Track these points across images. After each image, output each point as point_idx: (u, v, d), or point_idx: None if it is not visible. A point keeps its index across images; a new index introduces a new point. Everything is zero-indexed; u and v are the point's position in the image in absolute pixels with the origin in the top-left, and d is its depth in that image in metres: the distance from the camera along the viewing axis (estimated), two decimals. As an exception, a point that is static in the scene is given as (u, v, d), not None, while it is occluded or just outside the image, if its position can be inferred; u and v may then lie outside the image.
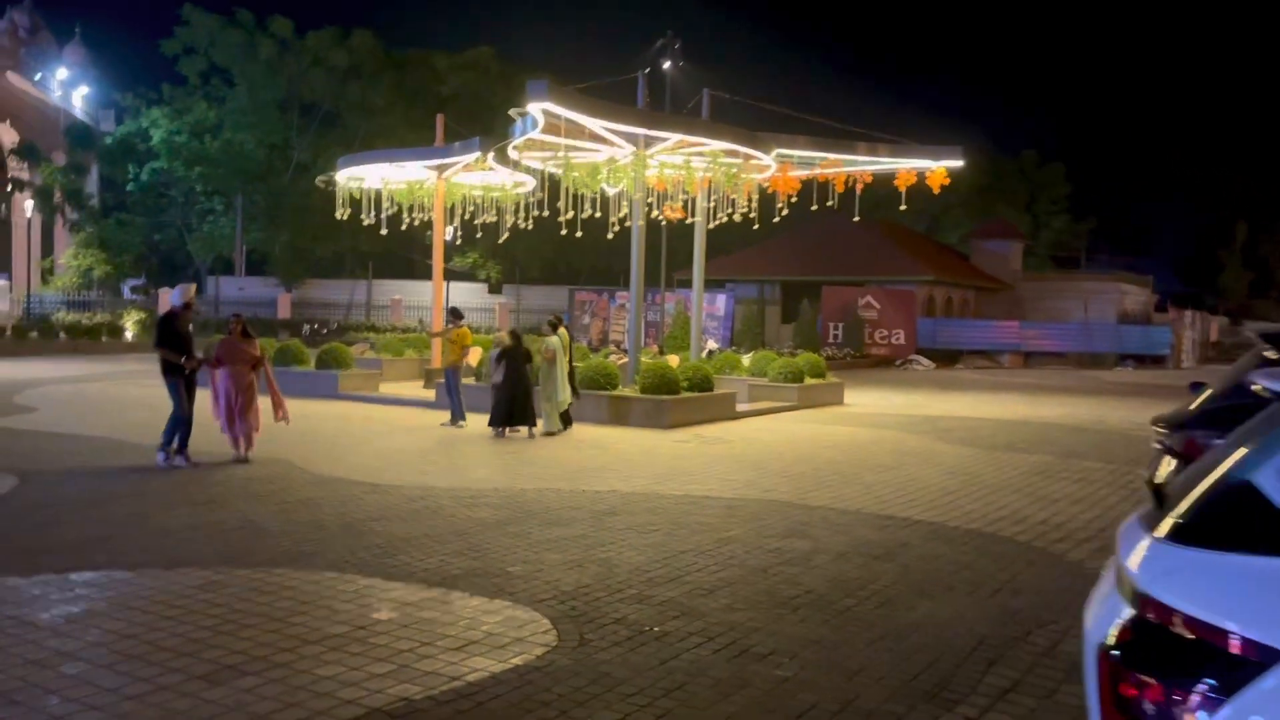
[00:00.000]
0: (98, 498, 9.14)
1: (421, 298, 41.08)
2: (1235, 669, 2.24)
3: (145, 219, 46.55)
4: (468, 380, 16.70)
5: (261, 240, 48.00)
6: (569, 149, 16.58)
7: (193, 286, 11.76)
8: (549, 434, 14.36)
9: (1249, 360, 7.33)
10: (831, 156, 19.00)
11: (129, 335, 33.77)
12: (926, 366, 36.30)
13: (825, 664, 5.21)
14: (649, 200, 18.37)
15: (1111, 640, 2.53)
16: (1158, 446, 6.91)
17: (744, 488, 10.45)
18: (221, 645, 5.30)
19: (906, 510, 9.41)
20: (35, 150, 40.98)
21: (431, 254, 23.59)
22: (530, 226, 22.13)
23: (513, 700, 4.67)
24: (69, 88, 47.55)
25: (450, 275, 32.85)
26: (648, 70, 22.11)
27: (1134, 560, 2.66)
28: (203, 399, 11.39)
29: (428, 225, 23.65)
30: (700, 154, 17.48)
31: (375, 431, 14.42)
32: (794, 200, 20.17)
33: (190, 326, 11.36)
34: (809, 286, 39.75)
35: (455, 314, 15.89)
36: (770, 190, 20.24)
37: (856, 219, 21.85)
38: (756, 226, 20.89)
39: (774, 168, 18.63)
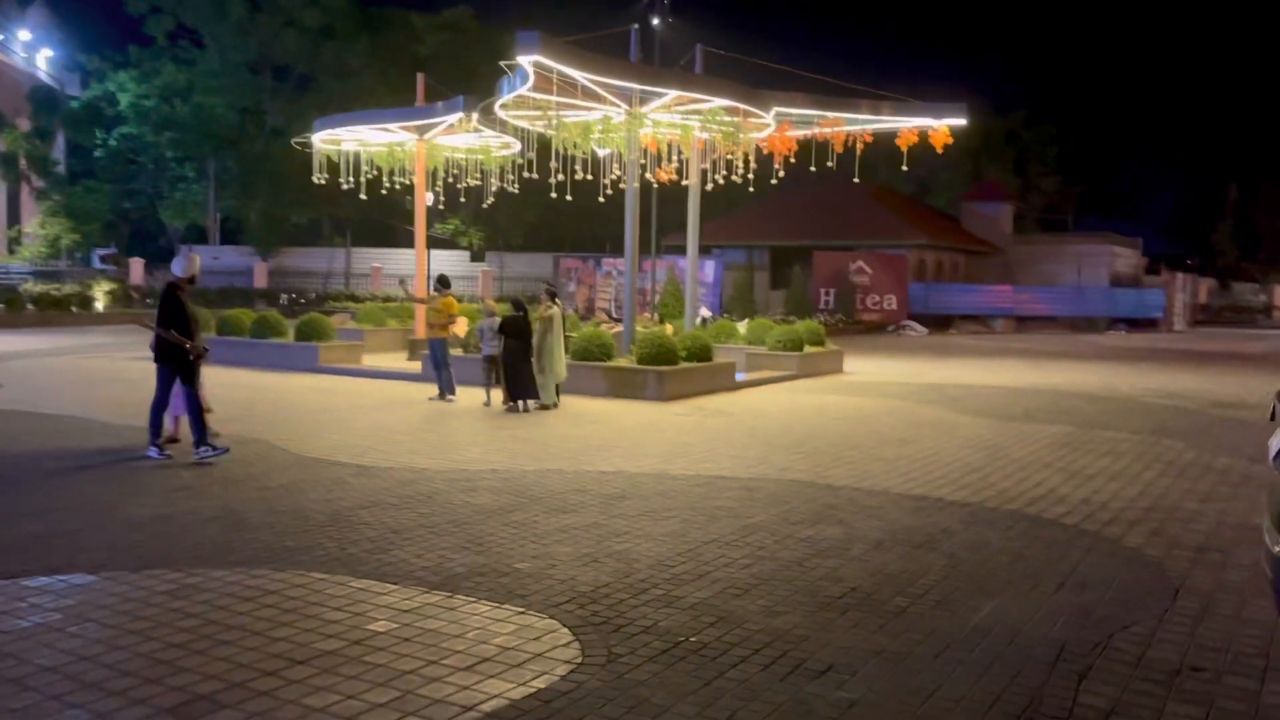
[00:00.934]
0: (61, 484, 8.34)
1: (403, 265, 40.04)
2: None
3: (114, 186, 45.12)
4: (456, 351, 15.93)
5: (236, 208, 46.73)
6: (560, 106, 15.71)
7: (196, 256, 10.40)
8: (544, 407, 13.64)
9: None
10: (833, 115, 18.19)
11: (99, 306, 32.68)
12: (920, 332, 35.75)
13: (893, 682, 4.54)
14: (641, 162, 17.55)
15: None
16: None
17: (758, 465, 9.77)
18: (194, 668, 4.57)
19: (937, 489, 8.76)
20: (-2, 115, 39.58)
21: (413, 220, 22.68)
22: (517, 189, 21.25)
23: (538, 735, 3.98)
24: (32, 50, 45.96)
25: (431, 242, 31.75)
26: (637, 27, 21.25)
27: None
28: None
29: (409, 190, 22.72)
30: (697, 112, 16.64)
31: (360, 406, 13.64)
32: (793, 161, 19.41)
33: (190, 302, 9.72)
34: (799, 252, 39.04)
35: (442, 282, 15.06)
36: (766, 151, 19.43)
37: (856, 180, 21.09)
38: (753, 189, 20.12)
39: (773, 126, 17.80)
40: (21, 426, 11.32)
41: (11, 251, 41.22)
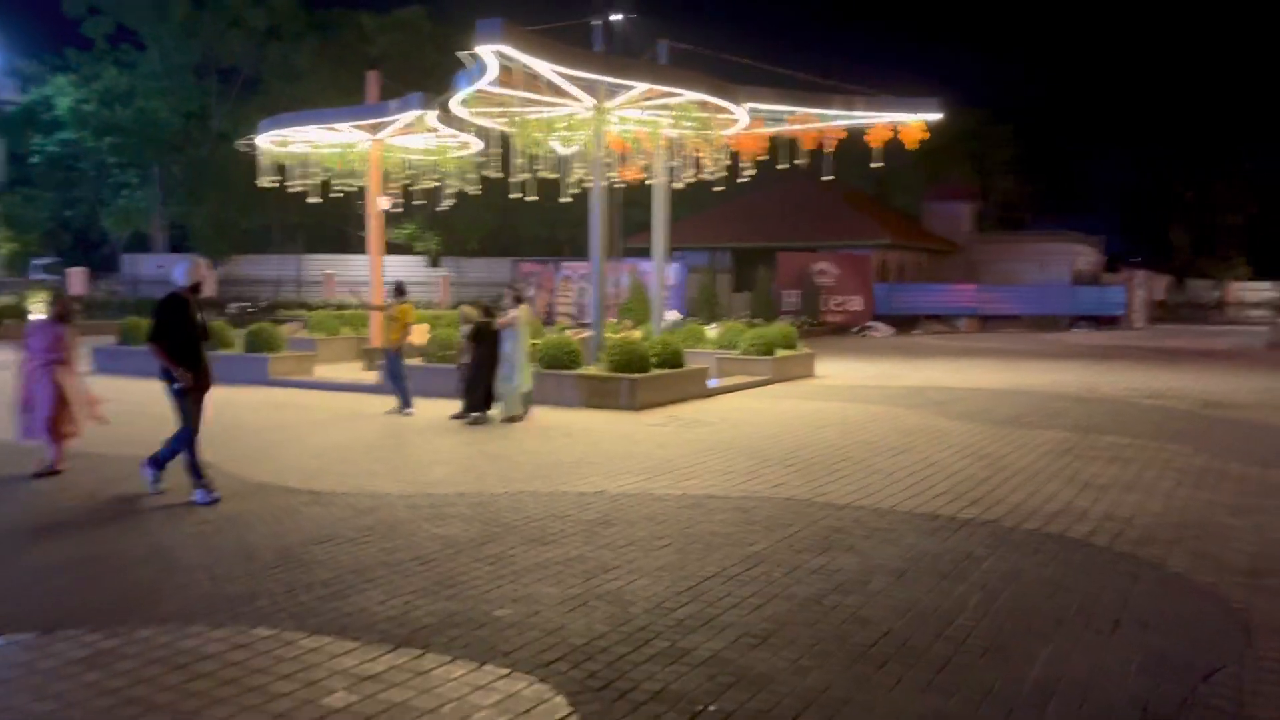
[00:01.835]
0: (-32, 524, 7.37)
1: (358, 272, 38.82)
2: None
3: (54, 194, 43.47)
4: (413, 361, 15.03)
5: (182, 214, 45.17)
6: (522, 103, 14.87)
7: (201, 261, 8.96)
8: (510, 419, 12.79)
9: None
10: (806, 111, 17.52)
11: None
12: (885, 333, 35.31)
13: (958, 759, 3.79)
14: (607, 161, 16.75)
15: None
16: None
17: (748, 481, 9.02)
18: (105, 767, 3.71)
19: (946, 506, 8.06)
20: (-72, 121, 37.85)
21: (365, 226, 21.66)
22: (479, 192, 20.33)
23: None
24: (-36, 54, 44.16)
25: (387, 248, 30.63)
26: (599, 22, 20.45)
27: None
28: None
29: (363, 194, 21.70)
30: (666, 107, 15.88)
31: (312, 422, 12.69)
32: (761, 159, 18.72)
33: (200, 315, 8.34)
34: (762, 253, 38.47)
35: (399, 290, 14.15)
36: (734, 150, 18.71)
37: (831, 178, 20.44)
38: (721, 189, 19.41)
39: (746, 121, 17.08)
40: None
41: (-56, 262, 39.51)
